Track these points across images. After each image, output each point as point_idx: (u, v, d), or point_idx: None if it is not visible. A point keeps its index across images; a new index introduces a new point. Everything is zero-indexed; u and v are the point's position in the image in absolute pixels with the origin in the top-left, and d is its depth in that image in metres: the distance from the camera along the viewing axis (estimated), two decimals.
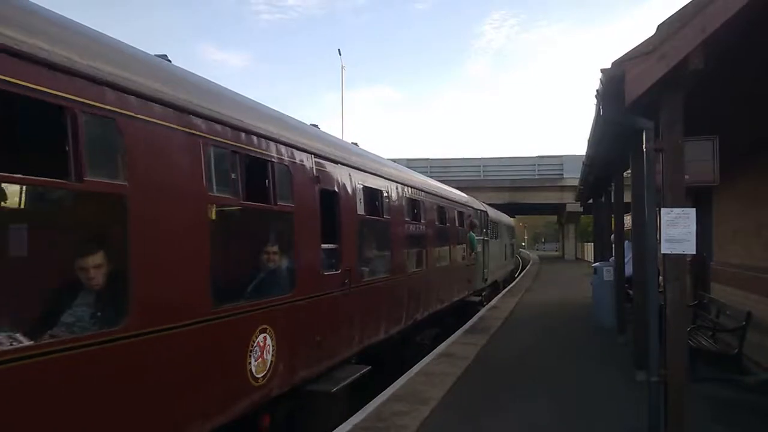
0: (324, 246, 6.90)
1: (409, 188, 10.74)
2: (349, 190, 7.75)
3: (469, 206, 17.62)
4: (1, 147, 3.93)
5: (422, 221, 11.62)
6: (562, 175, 46.82)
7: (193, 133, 4.61)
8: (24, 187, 4.43)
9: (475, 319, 15.19)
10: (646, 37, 5.15)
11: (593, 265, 15.11)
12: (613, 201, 13.20)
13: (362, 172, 8.31)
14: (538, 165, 48.77)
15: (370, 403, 7.33)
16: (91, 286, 4.06)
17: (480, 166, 49.11)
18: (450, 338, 12.16)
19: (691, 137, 5.68)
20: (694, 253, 5.76)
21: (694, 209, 5.53)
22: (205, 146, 4.72)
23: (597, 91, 6.00)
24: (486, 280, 19.83)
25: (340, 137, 9.23)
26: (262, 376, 5.43)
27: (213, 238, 4.84)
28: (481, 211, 19.85)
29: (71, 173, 3.43)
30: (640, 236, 8.69)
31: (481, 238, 18.75)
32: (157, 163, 4.18)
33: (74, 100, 3.50)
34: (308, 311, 6.38)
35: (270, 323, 5.58)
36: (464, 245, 16.01)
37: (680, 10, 4.98)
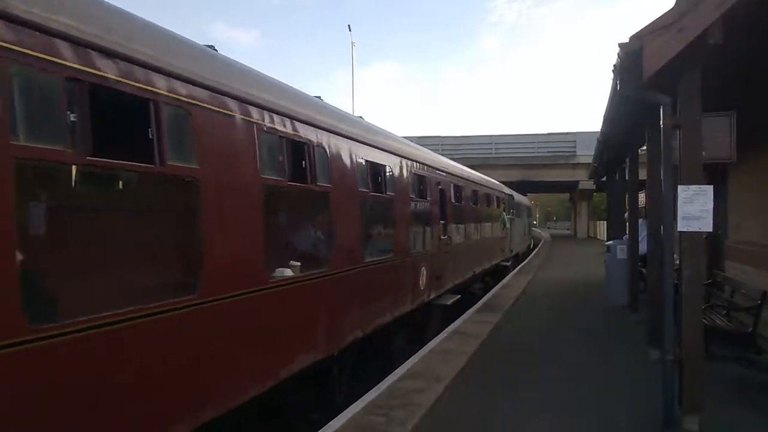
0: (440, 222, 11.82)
1: (476, 184, 16.47)
2: (460, 191, 13.95)
3: (502, 191, 22.40)
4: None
5: (482, 205, 17.19)
6: (575, 152, 46.53)
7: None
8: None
9: (488, 296, 15.22)
10: (665, 11, 5.05)
11: (606, 243, 15.03)
12: (627, 178, 13.08)
13: (461, 179, 14.33)
14: (551, 142, 48.45)
15: (385, 380, 7.37)
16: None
17: (491, 143, 48.88)
18: (463, 316, 12.18)
19: (709, 113, 5.59)
20: (711, 230, 5.71)
21: (711, 186, 5.47)
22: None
23: (614, 65, 5.91)
24: (512, 250, 24.36)
25: (351, 113, 9.58)
26: (423, 288, 10.32)
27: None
28: (508, 195, 24.02)
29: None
30: (655, 214, 8.62)
31: (509, 217, 23.06)
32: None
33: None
34: (435, 259, 11.20)
35: (425, 263, 10.43)
36: (500, 222, 20.76)
37: None
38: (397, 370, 7.85)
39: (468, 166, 17.49)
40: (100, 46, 3.58)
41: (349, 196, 7.18)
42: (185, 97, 4.29)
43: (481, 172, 19.96)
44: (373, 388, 7.01)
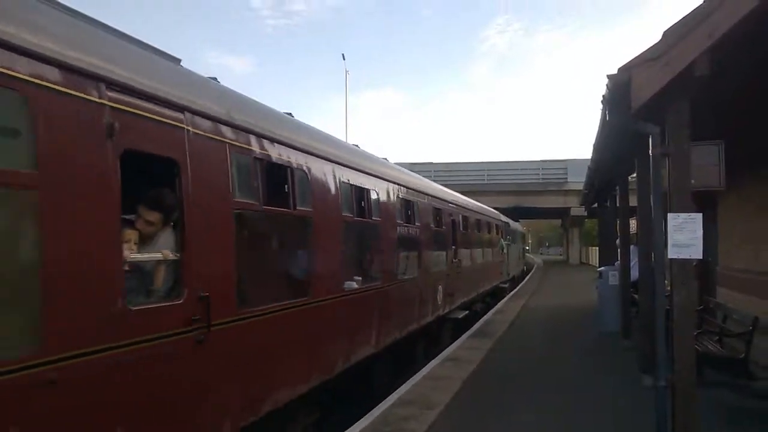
0: (452, 247, 13.89)
1: (479, 213, 18.75)
2: (467, 221, 16.09)
3: (500, 220, 24.75)
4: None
5: (484, 232, 19.39)
6: (567, 179, 46.88)
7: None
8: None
9: (481, 322, 15.23)
10: (653, 44, 5.18)
11: (598, 269, 15.10)
12: (618, 205, 13.19)
13: (467, 210, 16.46)
14: (542, 169, 48.82)
15: (377, 407, 7.35)
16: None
17: (484, 170, 49.17)
18: (456, 342, 12.18)
19: (698, 142, 5.70)
20: (701, 258, 5.77)
21: (701, 214, 5.55)
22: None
23: (603, 96, 6.03)
24: (509, 273, 26.60)
25: (345, 140, 10.02)
26: (440, 303, 12.18)
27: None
28: (505, 222, 26.46)
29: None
30: (646, 240, 8.70)
31: (506, 243, 25.32)
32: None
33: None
34: (449, 279, 13.05)
35: (441, 282, 12.35)
36: (498, 248, 22.68)
37: (686, 16, 5.01)
38: (390, 397, 7.84)
39: (460, 193, 17.64)
40: (270, 136, 5.59)
41: (392, 228, 9.22)
42: (305, 162, 6.22)
43: (473, 199, 20.29)
44: (366, 416, 6.99)
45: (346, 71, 36.91)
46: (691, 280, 5.75)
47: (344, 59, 36.32)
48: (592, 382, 8.78)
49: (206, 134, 4.62)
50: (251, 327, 5.06)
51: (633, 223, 12.98)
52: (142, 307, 3.89)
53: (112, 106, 3.65)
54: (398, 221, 9.55)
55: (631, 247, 12.37)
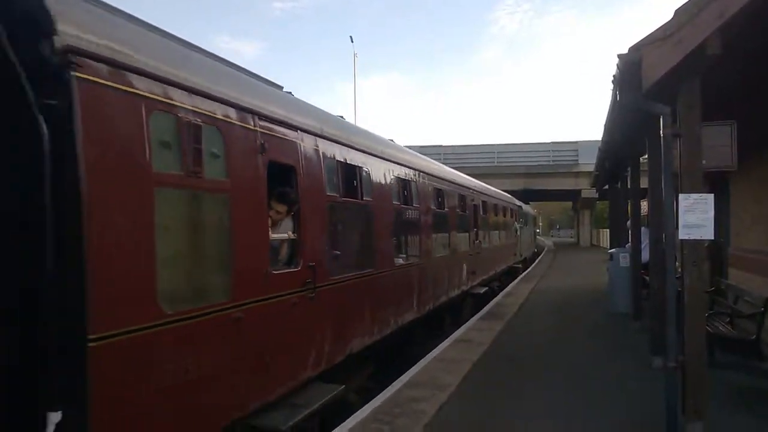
0: (474, 230, 15.67)
1: (495, 198, 20.59)
2: (485, 205, 17.89)
3: (514, 203, 26.40)
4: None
5: (500, 216, 21.11)
6: (577, 161, 46.61)
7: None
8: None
9: (491, 304, 15.28)
10: (664, 22, 5.12)
11: (609, 251, 15.06)
12: (629, 187, 13.12)
13: (485, 195, 18.18)
14: (553, 151, 48.56)
15: (388, 388, 7.41)
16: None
17: (494, 152, 48.96)
18: (466, 324, 12.23)
19: (709, 122, 5.65)
20: (712, 238, 5.75)
21: (712, 195, 5.51)
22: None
23: (613, 76, 5.98)
24: (521, 255, 28.23)
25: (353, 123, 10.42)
26: (464, 279, 13.75)
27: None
28: (518, 206, 27.98)
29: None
30: (657, 222, 8.66)
31: (519, 226, 27.19)
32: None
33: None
34: (471, 258, 14.78)
35: (465, 261, 13.99)
36: (513, 231, 24.73)
37: None
38: (401, 378, 7.89)
39: (470, 175, 17.62)
40: (345, 143, 7.14)
41: (427, 213, 10.75)
42: (366, 161, 7.72)
43: (483, 181, 20.30)
44: (377, 396, 7.06)
45: (354, 54, 36.82)
46: (702, 261, 5.73)
47: (352, 41, 36.21)
48: (602, 363, 8.80)
49: (309, 145, 6.17)
50: (338, 290, 6.65)
51: (644, 205, 12.91)
52: (277, 272, 5.48)
53: (261, 132, 5.28)
54: (432, 207, 11.10)
55: (642, 228, 12.32)
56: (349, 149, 7.20)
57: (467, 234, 14.66)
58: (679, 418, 5.60)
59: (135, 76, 3.87)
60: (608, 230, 28.50)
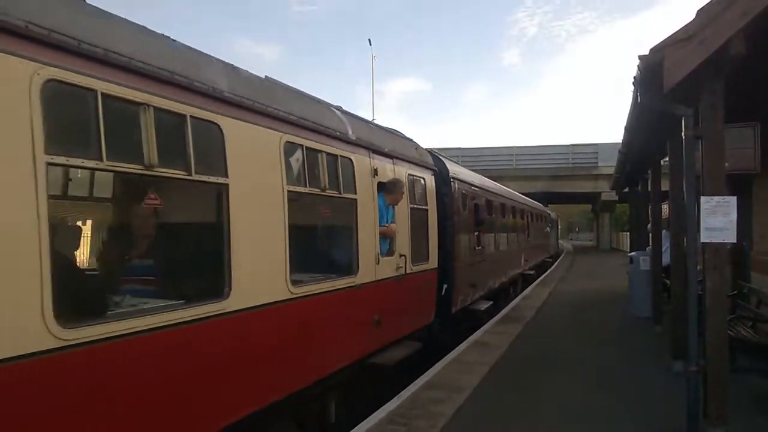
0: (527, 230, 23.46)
1: (537, 209, 28.38)
2: (532, 215, 26.35)
3: (546, 212, 35.79)
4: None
5: (537, 221, 28.45)
6: (597, 163, 46.15)
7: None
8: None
9: (509, 307, 15.19)
10: (686, 23, 5.07)
11: (629, 254, 14.91)
12: (650, 189, 12.98)
13: (531, 207, 26.51)
14: (572, 153, 48.11)
15: (405, 390, 7.40)
16: None
17: (513, 154, 48.65)
18: (483, 327, 12.17)
19: (732, 124, 5.58)
20: (735, 242, 5.67)
21: (735, 197, 5.44)
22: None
23: (634, 77, 5.93)
24: (550, 251, 36.39)
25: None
26: (522, 264, 21.05)
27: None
28: (548, 213, 36.96)
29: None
30: (678, 225, 8.57)
31: (548, 229, 35.50)
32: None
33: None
34: (524, 251, 21.71)
35: (522, 252, 21.19)
36: (545, 232, 33.19)
37: None
38: (417, 380, 7.88)
39: (489, 178, 17.61)
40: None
41: (498, 218, 16.41)
42: (475, 192, 13.65)
43: (502, 184, 20.55)
44: (394, 398, 7.05)
45: (373, 56, 36.78)
46: (724, 265, 5.66)
47: (371, 44, 36.27)
48: (622, 367, 8.71)
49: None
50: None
51: (664, 208, 12.74)
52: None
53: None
54: (507, 217, 18.30)
55: (663, 231, 12.19)
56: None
57: (524, 233, 22.38)
58: (700, 423, 5.53)
59: (458, 180, 11.33)
60: (628, 233, 28.34)
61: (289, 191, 5.42)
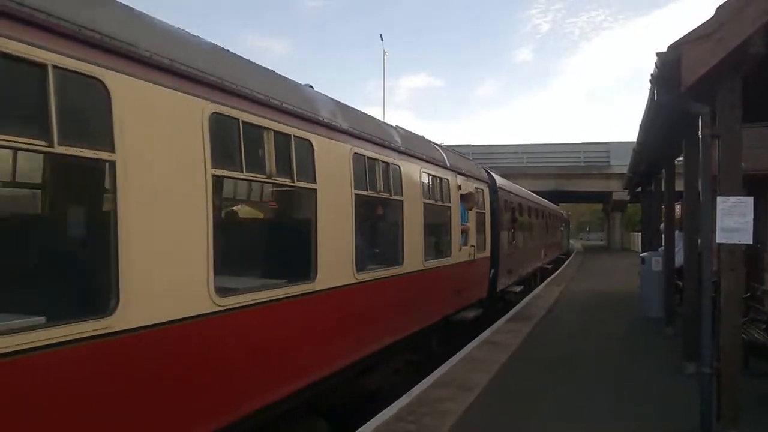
0: (546, 229, 27.76)
1: (555, 211, 33.83)
2: (550, 215, 30.53)
3: (562, 213, 40.00)
4: None
5: (555, 221, 32.32)
6: (609, 162, 45.92)
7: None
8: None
9: (519, 306, 15.14)
10: (705, 20, 4.99)
11: (641, 254, 14.81)
12: (663, 189, 12.87)
13: (551, 209, 31.42)
14: (584, 152, 47.91)
15: (414, 388, 7.37)
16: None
17: (523, 152, 48.48)
18: (493, 326, 12.13)
19: (750, 124, 5.50)
20: (751, 243, 5.60)
21: (752, 198, 5.37)
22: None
23: (651, 75, 5.86)
24: (562, 248, 39.36)
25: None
26: (542, 258, 25.09)
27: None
28: (562, 213, 41.16)
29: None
30: (692, 225, 8.48)
31: (562, 229, 39.61)
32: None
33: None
34: (544, 247, 25.63)
35: (543, 248, 25.11)
36: (560, 231, 36.76)
37: None
38: (426, 379, 7.85)
39: (501, 175, 17.63)
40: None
41: (541, 222, 24.10)
42: (522, 203, 19.17)
43: (512, 182, 20.35)
44: (404, 396, 7.03)
45: (384, 51, 36.86)
46: (739, 266, 5.58)
47: (382, 39, 36.20)
48: (633, 368, 8.64)
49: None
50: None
51: (678, 208, 12.66)
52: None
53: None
54: (540, 220, 23.74)
55: (676, 232, 12.09)
56: (511, 194, 14.98)
57: (545, 232, 26.14)
58: (714, 425, 5.47)
59: (501, 190, 14.98)
60: (639, 233, 28.25)
61: (425, 203, 8.78)
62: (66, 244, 4.40)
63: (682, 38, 5.05)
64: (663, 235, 13.02)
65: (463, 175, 10.92)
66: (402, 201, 7.85)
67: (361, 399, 7.17)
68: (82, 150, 3.36)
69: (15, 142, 3.05)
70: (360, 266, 6.60)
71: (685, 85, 5.06)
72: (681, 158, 9.40)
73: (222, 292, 4.39)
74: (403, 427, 5.95)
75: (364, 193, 6.77)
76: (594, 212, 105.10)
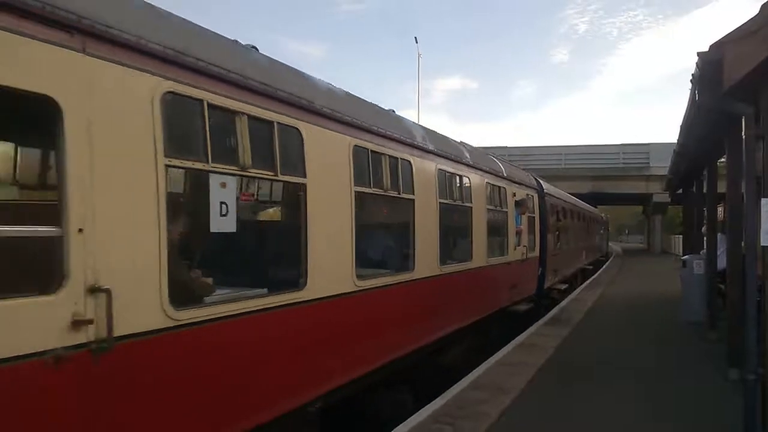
0: (589, 232, 30.20)
1: (596, 215, 36.11)
2: (594, 219, 34.05)
3: (601, 215, 41.73)
4: None
5: (596, 225, 34.79)
6: (649, 163, 44.99)
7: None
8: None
9: (556, 310, 14.98)
10: (749, 18, 4.90)
11: (682, 257, 14.50)
12: (705, 191, 12.59)
13: (594, 214, 34.98)
14: (623, 153, 47.04)
15: (450, 389, 7.37)
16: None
17: (561, 154, 47.85)
18: (530, 328, 12.04)
19: None
20: None
21: None
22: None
23: (692, 75, 5.76)
24: (603, 250, 41.36)
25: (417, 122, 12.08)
26: (583, 259, 26.20)
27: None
28: (602, 216, 42.54)
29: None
30: (736, 227, 8.29)
31: (602, 231, 40.75)
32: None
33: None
34: (585, 250, 26.86)
35: (584, 250, 26.29)
36: (600, 234, 37.94)
37: None
38: (462, 381, 7.84)
39: (539, 177, 17.59)
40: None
41: (586, 226, 27.37)
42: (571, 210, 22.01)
43: (550, 183, 20.12)
44: (439, 397, 7.03)
45: (419, 54, 36.96)
46: None
47: (417, 42, 36.23)
48: (674, 373, 8.48)
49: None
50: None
51: (721, 210, 12.35)
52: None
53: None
54: (586, 223, 26.52)
55: (719, 234, 11.81)
56: (556, 199, 16.45)
57: (587, 234, 28.11)
58: None
59: (548, 195, 16.35)
60: (680, 236, 27.70)
61: (487, 209, 10.20)
62: (278, 242, 6.06)
63: (725, 37, 4.96)
64: (705, 238, 12.72)
65: (517, 183, 12.46)
66: (471, 207, 9.38)
67: (438, 373, 8.37)
68: (291, 177, 4.97)
69: (261, 174, 4.60)
70: (442, 261, 8.09)
71: (727, 85, 4.97)
72: (723, 159, 9.20)
73: (359, 277, 5.94)
74: (440, 428, 5.96)
75: (445, 201, 8.22)
76: (633, 215, 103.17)
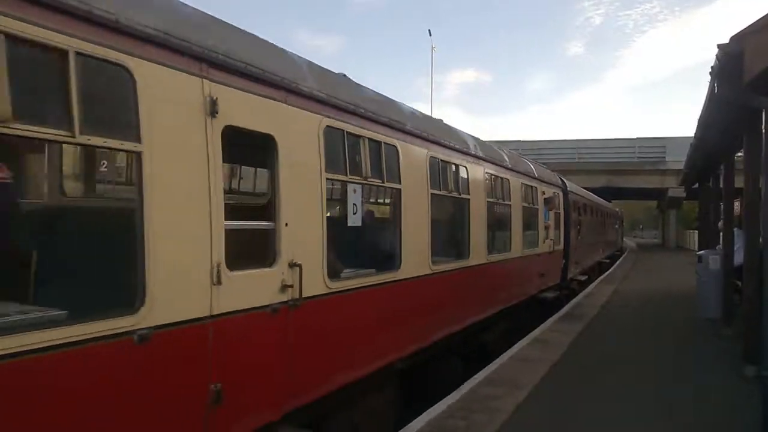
0: (606, 226, 32.22)
1: (611, 210, 38.24)
2: (609, 215, 35.23)
3: (617, 210, 43.99)
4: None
5: (612, 220, 36.54)
6: (664, 158, 44.57)
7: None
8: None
9: (570, 304, 14.93)
10: None
11: (698, 253, 14.37)
12: (722, 186, 12.46)
13: (610, 209, 37.62)
14: (638, 147, 46.61)
15: (464, 384, 7.37)
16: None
17: (575, 148, 47.51)
18: (544, 324, 12.00)
19: None
20: None
21: None
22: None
23: (712, 68, 5.69)
24: (617, 244, 42.92)
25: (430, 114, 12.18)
26: (601, 252, 28.36)
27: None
28: (617, 210, 44.55)
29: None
30: (754, 223, 8.19)
31: (617, 226, 42.33)
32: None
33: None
34: (603, 243, 29.51)
35: (601, 245, 28.51)
36: (615, 228, 39.78)
37: None
38: (476, 376, 7.83)
39: (552, 171, 17.55)
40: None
41: (606, 221, 30.90)
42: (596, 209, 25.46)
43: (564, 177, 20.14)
44: (453, 392, 7.03)
45: (432, 47, 36.75)
46: None
47: (430, 35, 36.14)
48: (690, 369, 8.41)
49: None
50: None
51: (737, 205, 12.25)
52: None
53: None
54: (606, 219, 29.86)
55: (735, 230, 11.69)
56: (577, 196, 18.00)
57: (606, 230, 30.50)
58: None
59: (571, 193, 17.61)
60: (696, 231, 27.50)
61: (522, 206, 11.45)
62: (383, 234, 7.19)
63: (746, 28, 4.89)
64: (721, 233, 12.59)
65: (545, 182, 13.99)
66: (510, 205, 10.75)
67: (481, 349, 9.64)
68: (392, 184, 6.32)
69: (374, 182, 6.00)
70: (489, 251, 9.43)
71: (747, 78, 4.91)
72: (741, 153, 9.09)
73: (434, 263, 7.19)
74: (454, 423, 5.96)
75: (492, 200, 9.62)
76: (647, 209, 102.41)
